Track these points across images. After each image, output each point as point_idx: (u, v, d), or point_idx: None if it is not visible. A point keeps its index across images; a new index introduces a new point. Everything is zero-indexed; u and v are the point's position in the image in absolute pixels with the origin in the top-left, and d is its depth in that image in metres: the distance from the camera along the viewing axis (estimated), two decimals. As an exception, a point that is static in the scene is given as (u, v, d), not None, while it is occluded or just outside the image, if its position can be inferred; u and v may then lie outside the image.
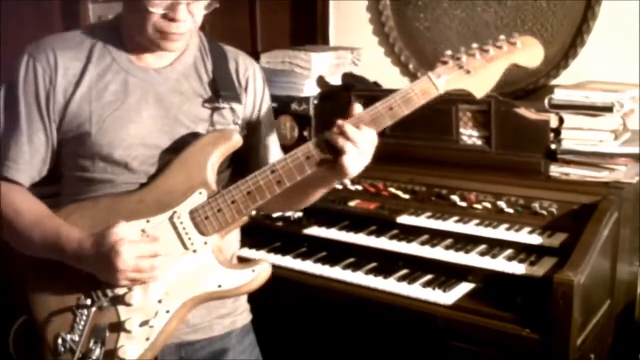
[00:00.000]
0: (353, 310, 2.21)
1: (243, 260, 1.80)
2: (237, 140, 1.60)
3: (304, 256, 2.37)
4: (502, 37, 1.61)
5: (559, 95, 2.26)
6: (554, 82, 2.66)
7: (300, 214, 2.52)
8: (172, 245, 1.53)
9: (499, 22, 2.76)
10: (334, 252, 2.36)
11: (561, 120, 2.27)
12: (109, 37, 1.61)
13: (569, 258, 1.89)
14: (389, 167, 2.48)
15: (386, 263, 2.26)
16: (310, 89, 2.80)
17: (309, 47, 2.97)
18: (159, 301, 1.53)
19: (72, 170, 1.61)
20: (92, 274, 1.50)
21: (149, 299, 1.52)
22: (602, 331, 2.08)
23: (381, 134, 2.51)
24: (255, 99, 1.73)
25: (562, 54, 2.65)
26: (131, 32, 1.59)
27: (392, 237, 2.30)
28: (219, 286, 1.55)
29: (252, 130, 1.73)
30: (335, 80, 2.86)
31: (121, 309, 1.52)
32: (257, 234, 2.41)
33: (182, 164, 1.56)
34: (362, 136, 1.49)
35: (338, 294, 2.21)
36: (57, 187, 1.67)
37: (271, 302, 2.31)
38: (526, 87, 2.72)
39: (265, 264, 1.58)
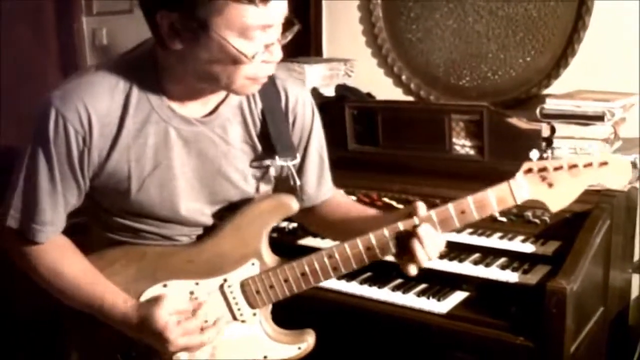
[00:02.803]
0: (347, 320, 2.21)
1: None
2: (295, 208, 1.52)
3: (299, 267, 2.37)
4: (596, 154, 1.50)
5: (550, 105, 2.28)
6: (545, 91, 2.68)
7: (294, 224, 2.53)
8: (220, 312, 1.51)
9: (490, 33, 2.79)
10: (329, 263, 2.37)
11: (553, 130, 2.28)
12: (145, 79, 1.42)
13: (561, 266, 1.91)
14: (382, 177, 2.50)
15: (380, 272, 2.26)
16: (303, 101, 2.81)
17: (302, 59, 2.98)
18: None
19: (116, 217, 1.51)
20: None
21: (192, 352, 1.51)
22: (595, 338, 2.09)
23: (374, 145, 2.55)
24: (302, 133, 1.59)
25: (554, 63, 2.67)
26: (182, 84, 1.42)
27: (386, 247, 2.31)
28: (265, 357, 1.56)
29: (300, 167, 1.61)
30: (329, 91, 2.88)
31: None
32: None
33: (237, 230, 1.50)
34: (435, 243, 1.42)
35: (333, 304, 2.22)
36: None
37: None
38: (518, 96, 2.75)
39: (310, 340, 1.59)
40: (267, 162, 1.53)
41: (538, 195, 1.46)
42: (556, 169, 1.45)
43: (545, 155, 2.26)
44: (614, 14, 2.55)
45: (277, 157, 1.51)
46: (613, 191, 2.15)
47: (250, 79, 1.36)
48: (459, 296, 2.11)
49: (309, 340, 1.59)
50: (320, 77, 2.87)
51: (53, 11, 4.09)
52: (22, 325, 3.01)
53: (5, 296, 2.96)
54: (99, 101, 1.38)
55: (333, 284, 2.24)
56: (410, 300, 2.10)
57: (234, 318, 1.52)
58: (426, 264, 1.44)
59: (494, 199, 1.45)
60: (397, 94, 3.02)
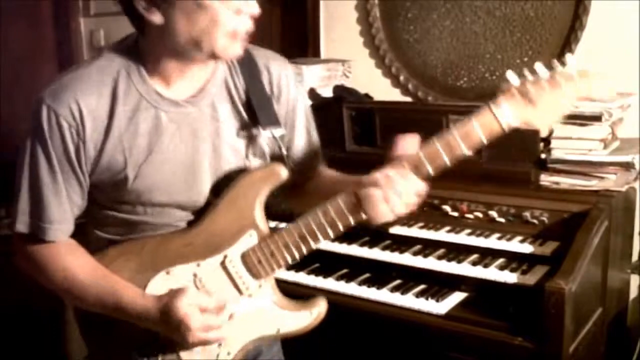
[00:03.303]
0: (347, 321, 2.21)
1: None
2: (284, 176, 1.53)
3: (298, 268, 2.37)
4: (572, 61, 1.45)
5: (548, 105, 2.28)
6: (543, 92, 2.68)
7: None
8: (227, 290, 1.52)
9: (487, 33, 2.79)
10: (328, 263, 2.37)
11: (551, 130, 2.29)
12: (131, 69, 1.46)
13: (560, 266, 1.91)
14: (380, 178, 2.49)
15: (379, 273, 2.27)
16: (301, 101, 2.81)
17: (300, 59, 2.98)
18: (219, 345, 1.52)
19: (110, 211, 1.54)
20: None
21: (209, 345, 1.51)
22: (594, 339, 2.09)
23: (373, 145, 2.54)
24: (288, 106, 1.63)
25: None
26: (167, 61, 1.45)
27: (384, 248, 2.31)
28: (278, 330, 1.56)
29: (289, 140, 1.65)
30: (327, 92, 2.87)
31: (183, 354, 1.52)
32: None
33: (230, 204, 1.51)
34: (404, 188, 1.40)
35: (332, 305, 2.20)
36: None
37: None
38: (516, 97, 2.75)
39: (322, 304, 1.59)
40: (254, 132, 1.55)
41: (523, 117, 1.41)
42: (537, 86, 1.40)
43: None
44: (611, 14, 2.55)
45: (260, 128, 1.54)
46: (611, 191, 2.15)
47: (231, 36, 1.40)
48: (457, 297, 2.11)
49: (320, 305, 1.58)
50: (318, 78, 2.87)
51: (50, 12, 4.09)
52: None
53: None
54: (89, 95, 1.42)
55: (331, 284, 2.25)
56: (409, 301, 2.10)
57: (240, 293, 1.52)
58: (401, 208, 1.41)
59: (479, 126, 1.41)
60: (395, 95, 3.02)
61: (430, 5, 2.90)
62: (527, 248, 2.13)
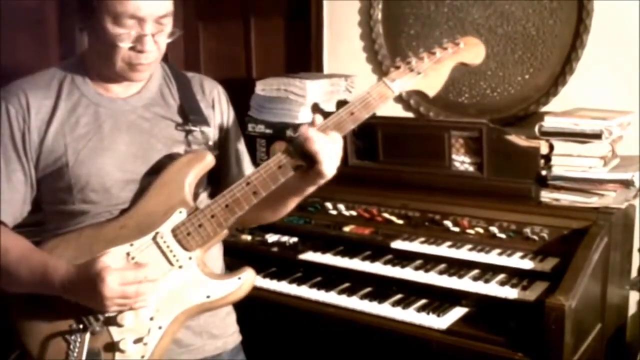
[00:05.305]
0: (348, 335, 2.23)
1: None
2: (210, 160, 1.65)
3: (300, 281, 2.39)
4: (445, 40, 1.73)
5: (548, 123, 2.30)
6: (544, 109, 2.70)
7: (295, 239, 2.55)
8: (158, 263, 1.57)
9: (489, 51, 2.81)
10: (329, 278, 2.38)
11: (551, 147, 2.31)
12: (75, 73, 1.66)
13: (560, 283, 1.92)
14: (382, 193, 2.52)
15: (381, 288, 2.29)
16: (304, 116, 2.83)
17: (303, 74, 3.01)
18: (151, 319, 1.56)
19: (53, 205, 1.65)
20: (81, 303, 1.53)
21: (140, 318, 1.55)
22: (593, 354, 2.11)
23: (375, 160, 2.57)
24: (222, 116, 1.79)
25: (552, 81, 2.70)
26: (98, 66, 1.64)
27: (386, 262, 2.33)
28: (208, 297, 1.60)
29: (224, 147, 1.79)
30: (330, 107, 2.89)
31: (114, 330, 1.56)
32: (253, 259, 2.41)
33: (160, 187, 1.61)
34: (331, 141, 1.53)
35: (333, 319, 2.23)
36: (37, 216, 1.70)
37: (267, 327, 2.32)
38: (517, 114, 2.77)
39: (249, 270, 1.63)
40: (188, 129, 1.70)
41: (411, 84, 1.65)
42: (419, 59, 1.66)
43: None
44: (611, 33, 2.57)
45: (192, 125, 1.70)
46: (611, 209, 2.17)
47: (127, 64, 1.58)
48: (458, 312, 2.13)
49: (247, 270, 1.62)
50: (321, 92, 2.89)
51: (55, 23, 4.11)
52: None
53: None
54: (36, 89, 1.63)
55: (333, 298, 2.26)
56: (410, 315, 2.11)
57: (171, 264, 1.58)
58: (333, 162, 1.53)
59: (375, 95, 1.61)
60: (397, 110, 3.04)
61: (432, 22, 2.93)
62: (527, 264, 2.15)
